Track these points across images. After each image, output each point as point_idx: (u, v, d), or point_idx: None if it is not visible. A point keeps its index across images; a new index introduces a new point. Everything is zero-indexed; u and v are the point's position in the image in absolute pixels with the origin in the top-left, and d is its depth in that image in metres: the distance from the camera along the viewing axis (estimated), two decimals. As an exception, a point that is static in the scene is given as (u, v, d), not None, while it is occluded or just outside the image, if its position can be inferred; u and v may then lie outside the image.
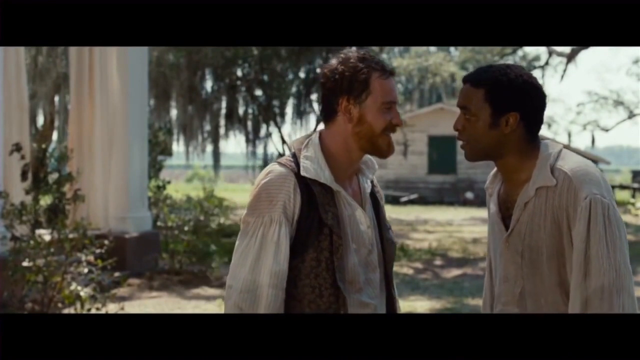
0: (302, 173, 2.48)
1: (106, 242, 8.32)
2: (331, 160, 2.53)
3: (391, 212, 25.30)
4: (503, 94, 2.43)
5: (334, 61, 2.55)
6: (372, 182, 2.70)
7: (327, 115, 2.58)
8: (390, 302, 2.69)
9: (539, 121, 2.51)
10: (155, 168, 16.55)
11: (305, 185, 2.47)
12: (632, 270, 2.36)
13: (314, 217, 2.46)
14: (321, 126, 2.67)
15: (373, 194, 2.69)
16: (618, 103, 33.45)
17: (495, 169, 2.61)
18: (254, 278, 2.41)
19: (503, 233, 2.53)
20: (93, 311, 7.82)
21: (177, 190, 18.84)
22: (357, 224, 2.55)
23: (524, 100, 2.44)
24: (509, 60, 35.05)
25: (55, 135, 20.78)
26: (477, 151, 2.51)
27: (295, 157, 2.56)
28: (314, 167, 2.49)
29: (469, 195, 29.67)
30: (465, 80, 2.53)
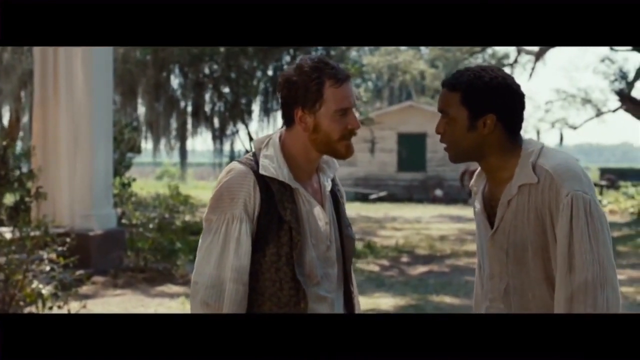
0: (261, 171, 2.55)
1: (68, 239, 8.27)
2: (290, 159, 2.61)
3: (360, 209, 25.35)
4: (478, 97, 2.47)
5: (289, 70, 2.60)
6: (333, 180, 2.77)
7: (286, 121, 2.65)
8: (348, 297, 2.77)
9: (518, 121, 2.54)
10: (121, 165, 16.46)
11: (265, 183, 2.55)
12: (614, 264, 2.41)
13: (274, 213, 2.54)
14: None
15: (333, 192, 2.76)
16: (586, 101, 33.67)
17: (479, 167, 2.66)
18: (218, 274, 2.49)
19: (488, 231, 2.58)
20: (55, 309, 7.78)
21: (142, 187, 18.75)
22: (315, 220, 2.62)
23: (499, 102, 2.48)
24: (478, 59, 35.26)
25: (23, 132, 20.62)
26: (459, 153, 2.56)
27: (255, 156, 2.62)
28: (272, 165, 2.56)
29: (438, 192, 29.82)
30: (443, 84, 2.57)
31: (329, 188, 2.72)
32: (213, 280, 2.49)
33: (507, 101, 2.50)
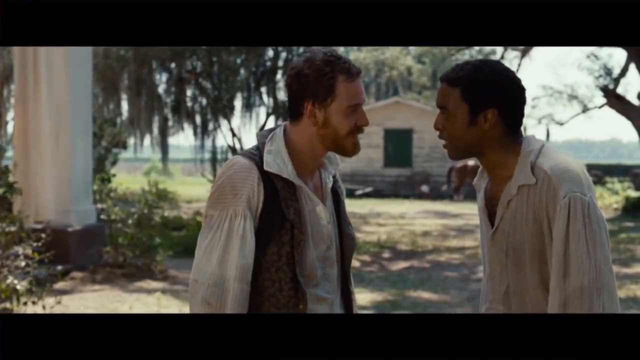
0: (265, 167, 2.48)
1: (43, 235, 8.26)
2: (295, 155, 2.54)
3: (346, 205, 25.29)
4: (480, 91, 2.42)
5: (300, 62, 2.54)
6: (334, 177, 2.71)
7: (293, 115, 2.58)
8: (347, 296, 2.72)
9: (519, 115, 2.49)
10: (106, 160, 16.46)
11: (269, 180, 2.48)
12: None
13: (277, 211, 2.47)
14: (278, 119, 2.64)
15: (334, 189, 2.71)
16: (572, 97, 33.73)
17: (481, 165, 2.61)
18: (221, 272, 2.41)
19: (489, 230, 2.54)
20: (30, 305, 7.78)
21: (122, 183, 18.71)
22: (317, 219, 2.56)
23: (501, 96, 2.43)
24: (465, 55, 35.27)
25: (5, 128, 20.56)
26: (458, 149, 2.50)
27: (259, 150, 2.55)
28: (277, 161, 2.49)
29: (425, 188, 29.88)
30: (442, 79, 2.51)
31: (330, 185, 2.66)
32: (215, 278, 2.40)
33: (509, 95, 2.44)
